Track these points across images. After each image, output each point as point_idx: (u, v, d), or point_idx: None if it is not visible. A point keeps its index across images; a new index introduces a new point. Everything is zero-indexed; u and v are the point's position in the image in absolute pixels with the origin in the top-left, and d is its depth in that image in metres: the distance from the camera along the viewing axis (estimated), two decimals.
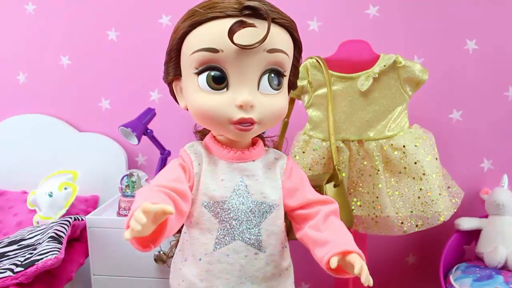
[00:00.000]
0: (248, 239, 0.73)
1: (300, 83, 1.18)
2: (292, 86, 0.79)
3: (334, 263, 0.62)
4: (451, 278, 1.29)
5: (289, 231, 0.83)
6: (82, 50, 1.61)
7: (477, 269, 1.29)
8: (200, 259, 0.74)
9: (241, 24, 0.63)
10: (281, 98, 0.73)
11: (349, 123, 1.20)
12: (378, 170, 1.15)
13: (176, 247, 0.84)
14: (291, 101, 1.21)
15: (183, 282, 0.76)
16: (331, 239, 0.67)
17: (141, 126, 1.41)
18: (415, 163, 1.12)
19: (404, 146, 1.14)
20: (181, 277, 0.77)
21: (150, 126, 1.46)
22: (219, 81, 0.68)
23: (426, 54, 1.46)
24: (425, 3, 1.45)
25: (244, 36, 0.64)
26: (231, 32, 0.63)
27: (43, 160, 1.60)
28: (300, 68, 0.80)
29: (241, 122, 0.68)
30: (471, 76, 1.47)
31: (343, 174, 1.15)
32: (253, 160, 0.76)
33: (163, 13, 1.55)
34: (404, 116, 1.20)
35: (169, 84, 0.79)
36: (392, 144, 1.15)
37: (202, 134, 0.84)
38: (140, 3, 1.56)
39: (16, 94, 1.66)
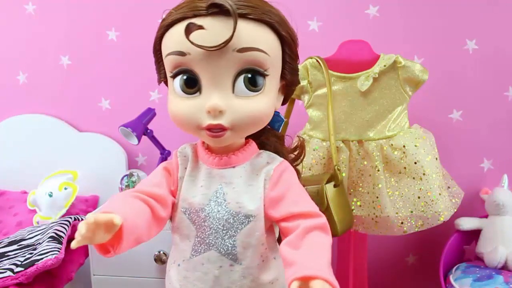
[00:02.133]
0: (223, 250, 0.69)
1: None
2: (290, 84, 0.74)
3: None
4: (451, 278, 1.29)
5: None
6: (82, 50, 1.61)
7: (477, 269, 1.29)
8: (179, 265, 0.73)
9: (194, 26, 0.59)
10: (260, 100, 0.66)
11: (349, 123, 1.20)
12: (378, 170, 1.15)
13: None
14: (291, 101, 1.21)
15: (170, 285, 0.76)
16: (298, 261, 0.59)
17: (141, 126, 1.41)
18: (415, 163, 1.12)
19: (404, 146, 1.14)
20: (169, 279, 0.76)
21: (150, 126, 1.46)
22: (190, 85, 0.65)
23: (426, 54, 1.46)
24: (425, 3, 1.45)
25: (211, 36, 0.60)
26: (187, 34, 0.60)
27: (43, 160, 1.60)
28: (300, 68, 0.78)
29: (210, 128, 0.64)
30: (471, 76, 1.47)
31: (343, 174, 1.15)
32: (233, 167, 0.71)
33: (163, 13, 1.54)
34: (404, 116, 1.20)
35: (166, 85, 0.76)
36: (392, 144, 1.15)
37: None
38: (140, 3, 1.56)
39: (16, 94, 1.66)
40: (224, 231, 0.69)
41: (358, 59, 1.20)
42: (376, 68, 1.16)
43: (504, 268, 1.28)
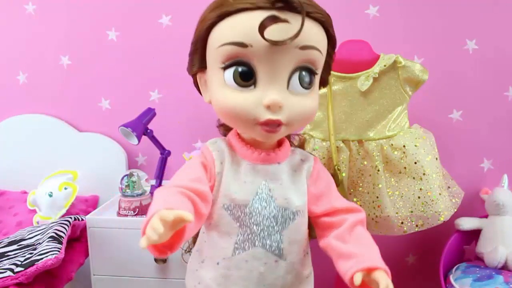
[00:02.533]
0: (268, 246, 0.68)
1: None
2: (323, 83, 0.75)
3: (358, 279, 0.59)
4: (451, 278, 1.29)
5: (309, 230, 0.78)
6: (82, 50, 1.61)
7: (477, 269, 1.29)
8: (218, 263, 0.70)
9: (274, 19, 0.58)
10: (311, 98, 0.68)
11: (349, 123, 1.20)
12: (378, 170, 1.15)
13: (193, 244, 0.80)
14: None
15: (199, 285, 0.73)
16: (356, 253, 0.63)
17: (141, 126, 1.41)
18: (415, 163, 1.12)
19: (404, 146, 1.14)
20: (197, 278, 0.74)
21: (150, 126, 1.46)
22: (246, 78, 0.63)
23: (426, 54, 1.46)
24: (425, 3, 1.45)
25: (275, 31, 0.59)
26: (262, 27, 0.58)
27: (43, 160, 1.60)
28: None
29: (268, 123, 0.63)
30: (471, 76, 1.47)
31: (343, 174, 1.15)
32: (278, 163, 0.71)
33: (163, 13, 1.55)
34: (404, 116, 1.20)
35: (193, 76, 0.74)
36: (392, 144, 1.15)
37: (225, 128, 0.79)
38: (140, 3, 1.56)
39: (16, 94, 1.66)
40: (271, 227, 0.69)
41: (358, 59, 1.20)
42: (376, 68, 1.16)
43: (504, 268, 1.28)
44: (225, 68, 0.64)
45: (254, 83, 0.64)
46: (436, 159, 1.17)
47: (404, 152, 1.14)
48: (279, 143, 0.74)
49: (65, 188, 1.47)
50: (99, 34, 1.59)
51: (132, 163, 1.65)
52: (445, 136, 1.47)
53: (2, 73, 1.66)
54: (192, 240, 0.83)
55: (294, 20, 0.59)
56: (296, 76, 0.65)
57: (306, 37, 0.61)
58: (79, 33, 1.60)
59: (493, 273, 1.24)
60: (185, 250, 0.85)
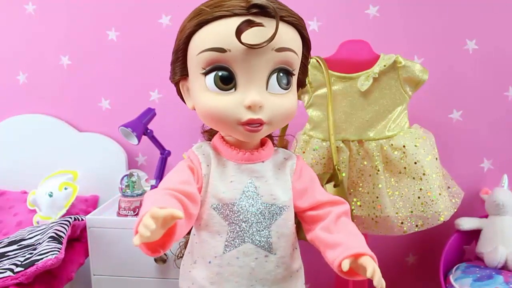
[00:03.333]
0: (258, 242, 0.71)
1: None
2: (300, 84, 0.78)
3: (346, 266, 0.61)
4: (451, 278, 1.29)
5: (298, 231, 0.81)
6: (82, 50, 1.61)
7: (477, 269, 1.29)
8: (210, 262, 0.72)
9: (249, 24, 0.62)
10: (290, 98, 0.71)
11: (349, 123, 1.20)
12: (378, 170, 1.15)
13: (185, 249, 0.83)
14: None
15: (193, 285, 0.75)
16: (343, 241, 0.66)
17: (141, 126, 1.41)
18: (415, 163, 1.12)
19: (404, 146, 1.14)
20: (191, 279, 0.76)
21: (150, 126, 1.46)
22: (227, 82, 0.67)
23: (426, 54, 1.46)
24: (425, 3, 1.45)
25: (251, 35, 0.62)
26: (238, 32, 0.62)
27: (43, 160, 1.60)
28: None
29: (250, 123, 0.67)
30: (471, 76, 1.47)
31: (343, 174, 1.15)
32: (262, 161, 0.75)
33: (163, 13, 1.55)
34: (404, 116, 1.20)
35: (176, 84, 0.77)
36: (392, 144, 1.15)
37: (209, 134, 0.82)
38: (140, 3, 1.56)
39: (16, 94, 1.66)
40: (258, 223, 0.72)
41: (358, 59, 1.20)
42: (376, 68, 1.16)
43: (504, 268, 1.28)
44: (206, 74, 0.67)
45: (235, 86, 0.67)
46: (436, 159, 1.17)
47: (404, 152, 1.14)
48: (262, 144, 0.77)
49: (65, 188, 1.47)
50: (99, 34, 1.59)
51: (132, 163, 1.65)
52: (445, 136, 1.47)
53: (2, 73, 1.66)
54: (183, 245, 0.86)
55: (269, 24, 0.63)
56: (274, 78, 0.68)
57: (281, 40, 0.65)
58: (79, 33, 1.60)
59: (493, 273, 1.24)
60: (177, 256, 0.88)
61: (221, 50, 0.64)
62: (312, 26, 1.49)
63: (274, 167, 0.76)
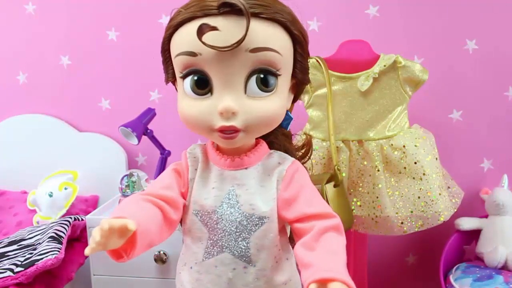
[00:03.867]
0: (237, 252, 0.68)
1: None
2: (300, 83, 0.73)
3: None
4: (451, 278, 1.29)
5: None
6: (82, 50, 1.61)
7: (477, 269, 1.29)
8: (191, 268, 0.71)
9: (207, 27, 0.58)
10: (272, 101, 0.65)
11: (349, 123, 1.20)
12: (378, 170, 1.15)
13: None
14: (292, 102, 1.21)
15: (181, 287, 0.75)
16: (315, 262, 0.59)
17: (141, 126, 1.41)
18: (415, 163, 1.12)
19: (404, 146, 1.14)
20: (179, 281, 0.75)
21: (150, 126, 1.46)
22: (202, 86, 0.63)
23: (426, 54, 1.46)
24: (425, 3, 1.45)
25: (222, 36, 0.58)
26: (199, 35, 0.58)
27: (43, 160, 1.60)
28: None
29: (223, 130, 0.63)
30: (471, 76, 1.47)
31: (343, 174, 1.15)
32: (246, 168, 0.70)
33: (163, 13, 1.55)
34: (404, 116, 1.20)
35: (174, 85, 0.75)
36: (392, 144, 1.15)
37: None
38: (140, 3, 1.56)
39: (16, 94, 1.66)
40: (237, 233, 0.68)
41: (358, 59, 1.20)
42: (376, 68, 1.16)
43: (504, 268, 1.28)
44: (183, 78, 0.65)
45: (210, 91, 0.64)
46: (436, 159, 1.17)
47: (404, 152, 1.14)
48: (252, 148, 0.73)
49: (65, 188, 1.47)
50: (99, 34, 1.59)
51: (132, 163, 1.65)
52: (445, 136, 1.46)
53: (2, 73, 1.66)
54: None
55: (242, 24, 0.58)
56: (253, 80, 0.63)
57: (256, 39, 0.60)
58: (79, 33, 1.60)
59: (493, 273, 1.24)
60: None
61: (192, 53, 0.61)
62: (312, 26, 1.49)
63: (262, 173, 0.71)
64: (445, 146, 1.41)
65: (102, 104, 1.64)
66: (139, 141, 1.40)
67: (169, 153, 1.48)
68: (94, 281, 1.29)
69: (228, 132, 0.64)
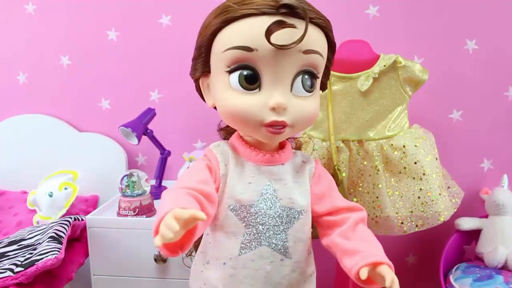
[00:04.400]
0: (274, 245, 0.70)
1: None
2: (322, 87, 0.77)
3: (364, 274, 0.61)
4: (451, 278, 1.29)
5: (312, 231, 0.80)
6: (82, 50, 1.61)
7: (477, 269, 1.29)
8: (224, 263, 0.71)
9: (280, 24, 0.60)
10: (313, 101, 0.70)
11: (349, 123, 1.20)
12: (378, 170, 1.15)
13: (195, 248, 0.81)
14: None
15: (204, 286, 0.74)
16: (361, 249, 0.66)
17: (141, 126, 1.41)
18: (415, 163, 1.13)
19: (404, 146, 1.14)
20: (202, 280, 0.74)
21: (150, 126, 1.46)
22: (251, 81, 0.65)
23: (426, 54, 1.46)
24: (425, 3, 1.45)
25: (280, 36, 0.61)
26: (268, 32, 0.60)
27: (43, 160, 1.60)
28: None
29: (273, 124, 0.66)
30: (471, 76, 1.47)
31: (343, 174, 1.15)
32: (282, 164, 0.74)
33: (163, 13, 1.55)
34: (404, 116, 1.20)
35: (196, 81, 0.76)
36: (392, 144, 1.15)
37: (226, 132, 0.81)
38: (140, 3, 1.56)
39: (16, 94, 1.66)
40: (276, 227, 0.71)
41: (358, 59, 1.20)
42: (376, 68, 1.16)
43: (504, 268, 1.28)
44: (230, 72, 0.66)
45: (259, 86, 0.66)
46: (436, 159, 1.17)
47: (404, 152, 1.14)
48: (281, 146, 0.76)
49: (65, 188, 1.47)
50: (99, 34, 1.59)
51: (132, 163, 1.65)
52: (445, 136, 1.47)
53: (2, 73, 1.66)
54: (193, 244, 0.83)
55: (298, 25, 0.62)
56: (299, 80, 0.67)
57: (309, 42, 0.64)
58: (79, 33, 1.60)
59: (493, 273, 1.25)
60: (186, 254, 0.85)
61: (248, 49, 0.63)
62: None
63: (293, 170, 0.75)
64: (445, 146, 1.41)
65: (102, 104, 1.64)
66: (139, 141, 1.40)
67: (169, 153, 1.48)
68: (94, 281, 1.29)
69: (277, 127, 0.66)
